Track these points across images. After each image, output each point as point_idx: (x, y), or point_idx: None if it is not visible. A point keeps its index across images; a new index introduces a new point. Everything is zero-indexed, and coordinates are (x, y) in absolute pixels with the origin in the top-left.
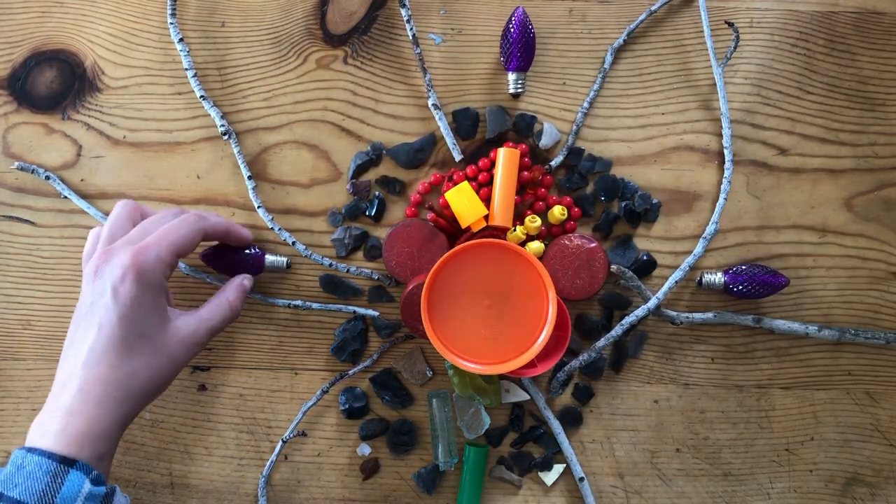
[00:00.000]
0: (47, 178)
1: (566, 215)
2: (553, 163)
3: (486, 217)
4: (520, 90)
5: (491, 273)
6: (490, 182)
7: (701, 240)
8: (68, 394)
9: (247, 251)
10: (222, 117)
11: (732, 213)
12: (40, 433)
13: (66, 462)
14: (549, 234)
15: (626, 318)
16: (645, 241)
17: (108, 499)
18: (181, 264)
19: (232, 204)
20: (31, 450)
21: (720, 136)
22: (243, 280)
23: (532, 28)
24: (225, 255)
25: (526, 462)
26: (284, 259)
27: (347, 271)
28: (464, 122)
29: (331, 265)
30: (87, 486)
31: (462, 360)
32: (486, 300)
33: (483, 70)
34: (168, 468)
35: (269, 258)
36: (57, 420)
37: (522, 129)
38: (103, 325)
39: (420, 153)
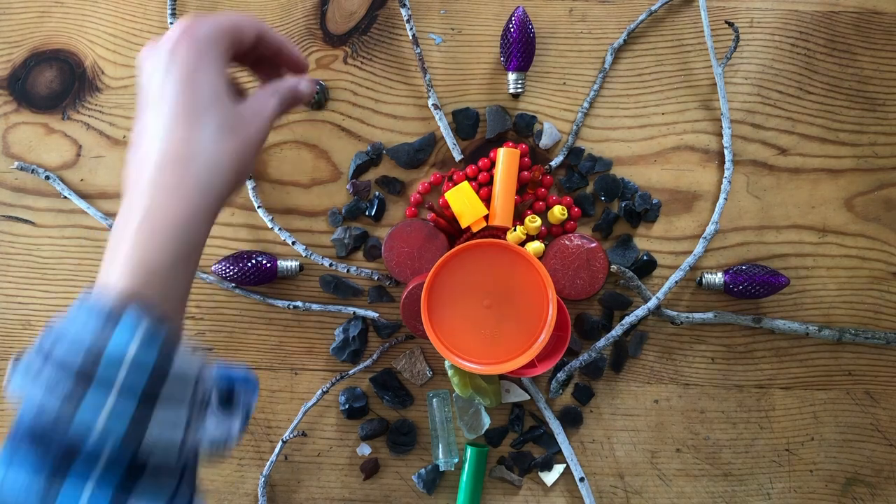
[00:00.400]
0: (47, 178)
1: (566, 215)
2: (553, 163)
3: (486, 217)
4: (520, 90)
5: (491, 273)
6: (490, 182)
7: (701, 240)
8: (141, 184)
9: (260, 259)
10: None
11: (732, 213)
12: (107, 267)
13: (122, 307)
14: (549, 234)
15: (626, 318)
16: (645, 241)
17: (168, 346)
18: None
19: (232, 204)
20: (88, 293)
21: (720, 136)
22: (299, 84)
23: (532, 28)
24: (238, 264)
25: (526, 462)
26: (297, 263)
27: (347, 271)
28: (464, 122)
29: (331, 265)
30: (140, 329)
31: (462, 360)
32: (486, 300)
33: (483, 70)
34: None
35: (281, 264)
36: (132, 225)
37: (522, 129)
38: (166, 93)
39: (420, 153)
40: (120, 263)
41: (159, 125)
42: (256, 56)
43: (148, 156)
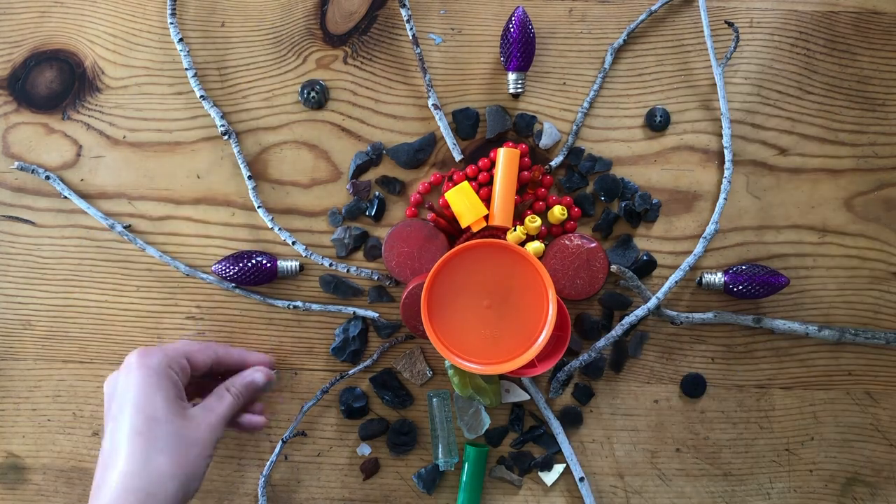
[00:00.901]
0: (47, 178)
1: (566, 215)
2: (553, 163)
3: (486, 217)
4: (520, 90)
5: (491, 273)
6: (490, 182)
7: (701, 240)
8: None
9: (260, 259)
10: (222, 117)
11: (732, 213)
12: None
13: None
14: (549, 234)
15: (626, 318)
16: (645, 241)
17: None
18: (181, 265)
19: (232, 204)
20: None
21: (720, 136)
22: (253, 376)
23: (532, 28)
24: (238, 264)
25: (526, 462)
26: (296, 263)
27: (347, 271)
28: (464, 122)
29: (331, 265)
30: None
31: (462, 360)
32: (486, 300)
33: (483, 70)
34: None
35: (281, 264)
36: None
37: (522, 129)
38: (108, 420)
39: (420, 153)
40: None
41: (105, 453)
42: (223, 370)
43: (109, 482)
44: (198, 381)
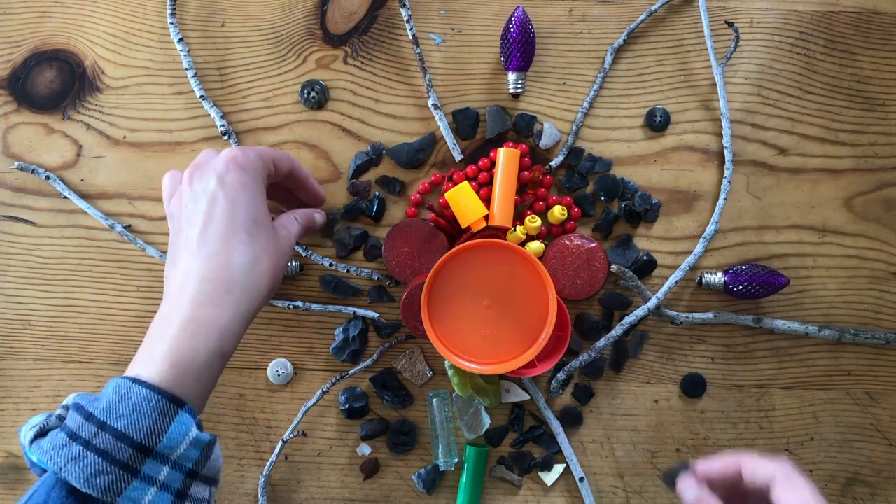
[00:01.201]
0: (47, 178)
1: (566, 215)
2: (553, 163)
3: (486, 217)
4: (520, 90)
5: (491, 273)
6: (490, 182)
7: (701, 240)
8: (190, 287)
9: None
10: (222, 117)
11: (732, 213)
12: (146, 358)
13: (176, 402)
14: (549, 234)
15: (626, 318)
16: (645, 241)
17: (209, 448)
18: None
19: None
20: (135, 381)
21: (720, 136)
22: (314, 214)
23: (532, 28)
24: None
25: (526, 462)
26: (297, 263)
27: (347, 271)
28: (464, 122)
29: (331, 265)
30: (193, 430)
31: (462, 360)
32: (486, 300)
33: (483, 70)
34: None
35: None
36: (174, 326)
37: (522, 129)
38: (215, 213)
39: (420, 153)
40: (158, 361)
41: (207, 242)
42: (284, 186)
43: (191, 269)
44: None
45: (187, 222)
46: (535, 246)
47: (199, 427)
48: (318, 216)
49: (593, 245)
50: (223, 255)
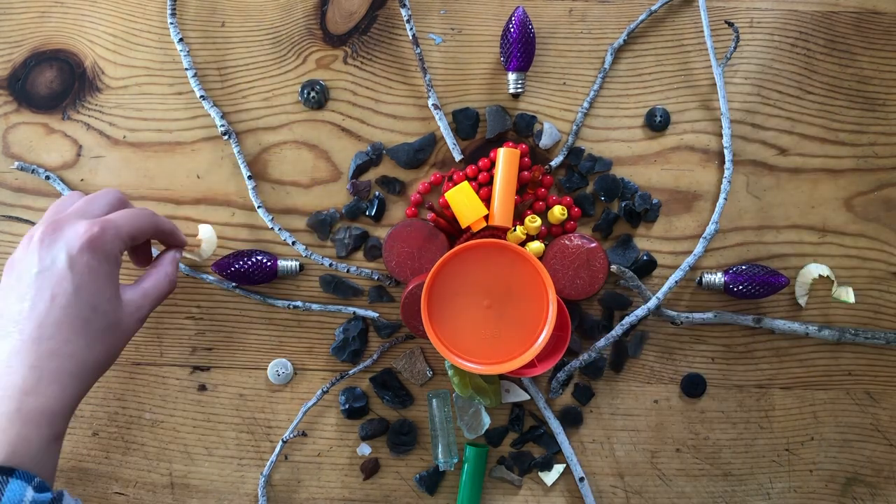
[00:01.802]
0: (47, 178)
1: (566, 215)
2: (553, 163)
3: (486, 217)
4: (520, 90)
5: (491, 273)
6: (490, 182)
7: (701, 240)
8: (16, 373)
9: (260, 258)
10: (222, 117)
11: (732, 213)
12: None
13: (4, 471)
14: (549, 234)
15: (626, 318)
16: (645, 241)
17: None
18: (182, 266)
19: (232, 204)
20: None
21: (720, 136)
22: (175, 253)
23: (532, 28)
24: (238, 262)
25: (526, 462)
26: (297, 263)
27: (347, 271)
28: (464, 122)
29: (331, 265)
30: (29, 494)
31: (462, 360)
32: (486, 300)
33: (483, 70)
34: (168, 468)
35: (281, 264)
36: (2, 416)
37: (522, 129)
38: (57, 295)
39: (420, 153)
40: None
41: (40, 325)
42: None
43: (18, 352)
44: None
45: (24, 289)
46: (535, 246)
47: (41, 488)
48: (178, 255)
49: (593, 245)
50: (55, 341)
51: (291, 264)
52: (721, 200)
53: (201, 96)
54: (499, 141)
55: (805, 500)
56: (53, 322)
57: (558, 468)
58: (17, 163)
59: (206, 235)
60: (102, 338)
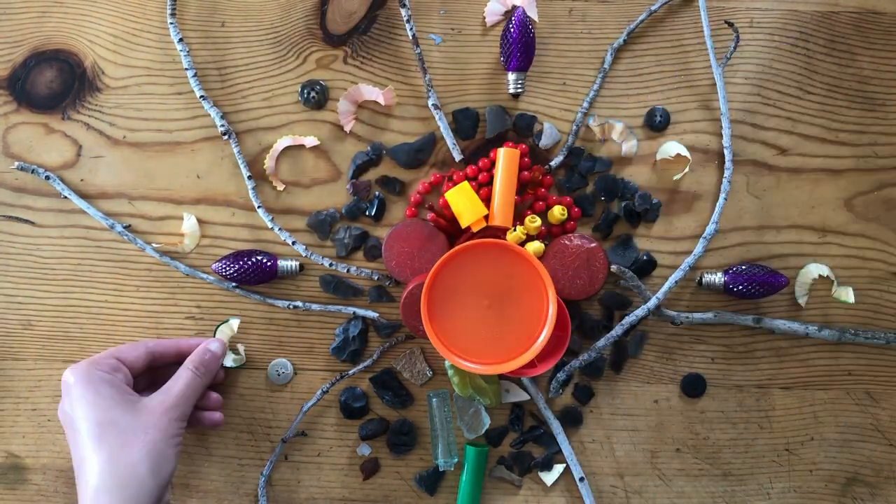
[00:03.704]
0: (47, 178)
1: (566, 215)
2: (553, 163)
3: (486, 217)
4: (520, 90)
5: (491, 273)
6: (490, 182)
7: (701, 240)
8: None
9: (260, 258)
10: (222, 117)
11: (732, 213)
12: None
13: None
14: (549, 234)
15: (626, 318)
16: (645, 241)
17: None
18: (181, 265)
19: (232, 204)
20: None
21: (720, 136)
22: (207, 345)
23: (532, 28)
24: (238, 262)
25: (526, 462)
26: (297, 263)
27: (347, 271)
28: (464, 122)
29: (331, 265)
30: None
31: (462, 360)
32: (486, 300)
33: (483, 70)
34: None
35: (281, 264)
36: None
37: (522, 129)
38: (75, 435)
39: (420, 153)
40: None
41: (84, 458)
42: (161, 363)
43: (88, 483)
44: (157, 372)
45: (71, 442)
46: (535, 246)
47: None
48: (215, 345)
49: (593, 245)
50: (88, 472)
51: (291, 264)
52: (721, 200)
53: (201, 96)
54: (499, 141)
55: (805, 500)
56: (85, 451)
57: (558, 468)
58: (17, 163)
59: (190, 230)
60: (127, 443)
